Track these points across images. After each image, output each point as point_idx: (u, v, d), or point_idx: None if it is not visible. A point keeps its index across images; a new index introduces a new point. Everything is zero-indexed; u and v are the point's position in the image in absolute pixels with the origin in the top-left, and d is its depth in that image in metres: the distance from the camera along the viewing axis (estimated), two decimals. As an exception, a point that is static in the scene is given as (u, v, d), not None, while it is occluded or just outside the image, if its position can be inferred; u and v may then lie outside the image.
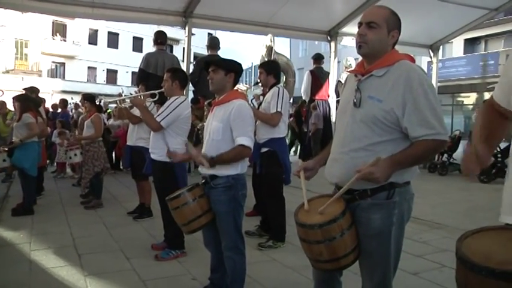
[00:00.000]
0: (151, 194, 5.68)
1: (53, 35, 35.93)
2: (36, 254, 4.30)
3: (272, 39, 9.52)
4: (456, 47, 27.38)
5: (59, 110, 12.06)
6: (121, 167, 10.39)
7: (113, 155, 10.72)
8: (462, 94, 27.84)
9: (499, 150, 8.39)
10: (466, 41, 26.55)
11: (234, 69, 3.05)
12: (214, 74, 3.00)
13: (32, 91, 7.54)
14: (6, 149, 6.23)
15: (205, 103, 6.20)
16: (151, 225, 5.39)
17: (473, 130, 1.95)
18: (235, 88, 3.13)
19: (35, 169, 6.22)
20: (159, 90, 4.40)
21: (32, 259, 4.18)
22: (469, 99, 27.82)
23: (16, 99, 6.47)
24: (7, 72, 32.35)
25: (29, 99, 6.59)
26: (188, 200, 2.88)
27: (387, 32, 2.02)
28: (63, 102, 12.02)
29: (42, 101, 8.63)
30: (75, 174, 9.27)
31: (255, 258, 4.08)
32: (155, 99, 4.76)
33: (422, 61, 25.65)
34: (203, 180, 2.97)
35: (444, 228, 5.25)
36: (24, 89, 7.61)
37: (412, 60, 2.06)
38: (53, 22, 35.46)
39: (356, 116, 2.02)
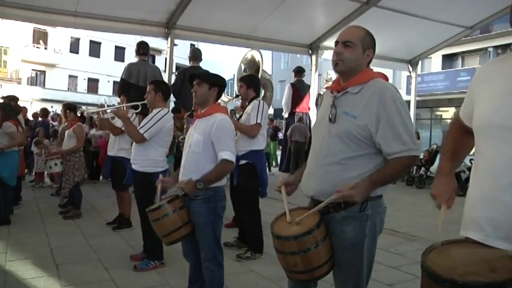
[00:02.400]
0: (131, 204, 5.67)
1: (34, 43, 35.48)
2: (12, 265, 4.24)
3: (261, 58, 9.58)
4: (434, 63, 28.03)
5: (40, 119, 11.93)
6: (101, 177, 10.32)
7: (94, 165, 10.63)
8: (440, 108, 28.41)
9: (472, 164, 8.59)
10: (444, 56, 27.23)
11: (218, 83, 3.12)
12: (198, 87, 3.06)
13: (11, 99, 7.46)
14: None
15: (186, 115, 6.24)
16: (131, 235, 5.38)
17: (442, 145, 2.05)
18: (218, 101, 3.19)
19: (14, 179, 6.16)
20: (142, 102, 4.45)
21: (7, 270, 4.12)
22: (447, 113, 28.40)
23: None
24: (-15, 79, 31.84)
25: (10, 108, 6.53)
26: (168, 212, 2.91)
27: (362, 51, 2.11)
28: (44, 111, 11.91)
29: (22, 109, 8.55)
30: (54, 183, 9.18)
31: (233, 269, 4.12)
32: (138, 110, 4.79)
33: (402, 76, 26.23)
34: (183, 192, 3.01)
35: (419, 241, 5.36)
36: (3, 97, 7.54)
37: (386, 78, 2.16)
38: (34, 29, 35.03)
39: (331, 131, 2.11)
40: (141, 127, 4.09)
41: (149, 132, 4.03)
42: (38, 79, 36.51)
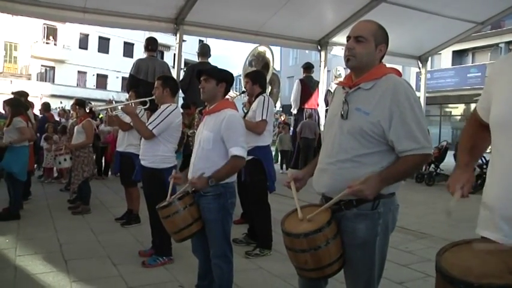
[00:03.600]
0: (139, 200, 5.68)
1: (44, 39, 35.66)
2: (22, 260, 4.26)
3: (272, 55, 9.53)
4: (444, 59, 27.78)
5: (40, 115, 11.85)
6: (109, 173, 10.37)
7: (103, 161, 10.68)
8: (450, 105, 28.20)
9: (484, 161, 8.51)
10: (454, 52, 26.98)
11: (225, 79, 3.08)
12: (206, 83, 3.02)
13: (21, 95, 7.49)
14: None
15: (197, 110, 6.23)
16: (139, 231, 5.38)
17: (459, 141, 2.00)
18: (226, 97, 3.16)
19: (24, 174, 6.22)
20: (150, 98, 4.44)
21: (17, 265, 4.14)
22: (457, 110, 28.20)
23: (7, 103, 6.44)
24: (-4, 74, 32.09)
25: (20, 104, 6.57)
26: (179, 209, 2.89)
27: (375, 46, 2.07)
28: (44, 106, 11.88)
29: (31, 105, 8.58)
30: (63, 179, 9.22)
31: (242, 266, 4.10)
32: (146, 106, 4.78)
33: (411, 72, 26.00)
34: (193, 188, 2.99)
35: (429, 238, 5.31)
36: (13, 93, 7.57)
37: (399, 74, 2.12)
38: (43, 26, 35.21)
39: (343, 128, 2.07)
40: (150, 123, 4.07)
41: (158, 128, 4.01)
42: (47, 75, 36.72)
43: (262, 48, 9.59)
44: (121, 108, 4.53)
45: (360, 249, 2.05)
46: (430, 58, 15.11)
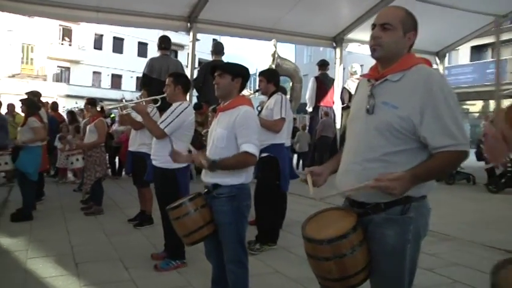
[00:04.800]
0: (152, 201, 5.56)
1: (59, 40, 35.99)
2: (33, 263, 4.17)
3: (275, 44, 9.41)
4: (462, 55, 27.23)
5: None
6: (123, 173, 10.31)
7: (116, 161, 10.62)
8: (468, 102, 27.59)
9: (509, 159, 8.21)
10: (473, 48, 26.39)
11: (241, 73, 2.91)
12: (220, 79, 2.86)
13: (34, 95, 7.47)
14: (10, 152, 6.18)
15: (210, 109, 6.09)
16: (152, 233, 5.26)
17: (497, 114, 1.80)
18: (241, 94, 2.99)
19: (36, 174, 6.18)
20: (161, 96, 4.27)
21: (27, 268, 4.05)
22: (475, 107, 27.62)
23: (23, 102, 6.42)
24: (13, 76, 32.41)
25: (35, 104, 6.54)
26: (190, 210, 2.73)
27: (403, 34, 1.88)
28: (53, 105, 11.88)
29: (44, 105, 8.55)
30: (77, 179, 9.16)
31: (257, 269, 3.93)
32: (158, 104, 4.63)
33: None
34: (205, 190, 2.83)
35: (454, 240, 5.07)
36: (26, 93, 7.53)
37: (430, 64, 1.93)
38: (59, 27, 35.54)
39: (369, 124, 1.89)
40: (161, 122, 3.92)
41: (170, 127, 3.86)
42: (63, 75, 37.03)
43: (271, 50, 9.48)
44: (132, 107, 4.38)
45: (389, 257, 1.86)
46: (447, 54, 14.83)
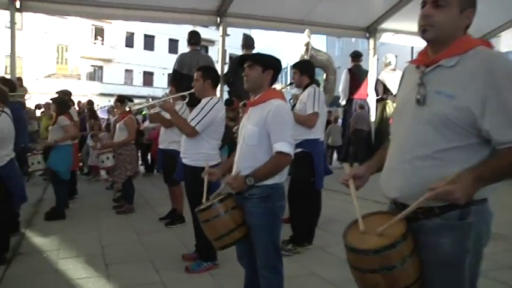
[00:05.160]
0: (183, 199, 5.44)
1: (93, 39, 36.66)
2: (64, 263, 4.11)
3: (309, 34, 9.14)
4: (506, 41, 26.01)
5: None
6: (155, 170, 10.30)
7: (148, 158, 10.61)
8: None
9: None
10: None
11: (272, 65, 2.70)
12: (250, 71, 2.65)
13: (65, 93, 7.50)
14: (41, 151, 6.21)
15: (240, 104, 5.88)
16: (184, 232, 5.12)
17: None
18: (273, 87, 2.78)
19: (68, 173, 6.17)
20: (189, 92, 4.08)
21: (59, 268, 4.00)
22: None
23: (53, 101, 6.46)
24: (49, 76, 33.18)
25: (65, 103, 6.55)
26: (220, 212, 2.55)
27: (459, 12, 1.62)
28: (89, 104, 12.01)
29: (73, 103, 8.61)
30: (110, 177, 9.17)
31: (292, 271, 3.70)
32: (186, 101, 4.44)
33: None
34: (235, 191, 2.64)
35: (507, 240, 4.67)
36: (57, 92, 7.56)
37: (490, 45, 1.66)
38: (91, 26, 36.19)
39: (420, 116, 1.64)
40: (192, 119, 3.72)
41: (201, 125, 3.67)
42: (96, 74, 37.68)
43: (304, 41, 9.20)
44: (159, 105, 4.21)
45: (445, 269, 1.61)
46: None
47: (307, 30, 9.33)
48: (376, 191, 1.90)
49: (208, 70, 3.97)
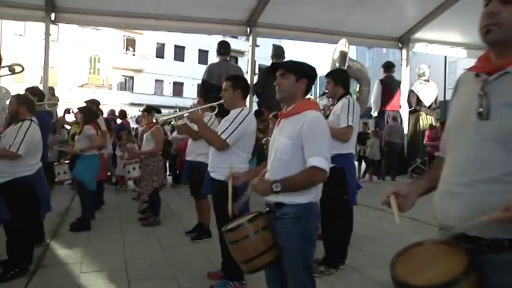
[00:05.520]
0: (210, 213, 5.27)
1: (124, 50, 37.35)
2: (86, 278, 3.98)
3: (346, 45, 8.90)
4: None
5: (118, 121, 12.04)
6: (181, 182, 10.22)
7: (175, 169, 10.53)
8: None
9: None
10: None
11: (307, 73, 2.49)
12: (282, 79, 2.45)
13: (93, 103, 7.49)
14: (68, 161, 6.17)
15: (271, 115, 5.69)
16: (210, 247, 4.93)
17: None
18: (307, 97, 2.58)
19: (94, 183, 6.08)
20: (218, 102, 3.89)
21: (80, 283, 3.86)
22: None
23: (80, 110, 6.43)
24: (82, 86, 33.94)
25: (92, 112, 6.52)
26: (249, 233, 2.33)
27: None
28: (122, 113, 12.05)
29: (102, 113, 8.61)
30: (137, 187, 9.11)
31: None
32: (215, 112, 4.24)
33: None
34: (267, 209, 2.43)
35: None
36: (85, 101, 7.57)
37: None
38: (123, 37, 36.88)
39: (483, 132, 1.40)
40: (223, 132, 3.50)
41: (232, 137, 3.45)
42: (127, 84, 38.32)
43: (338, 50, 8.96)
44: (186, 116, 4.02)
45: None
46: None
47: (344, 40, 9.08)
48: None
49: (238, 80, 3.78)
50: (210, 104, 4.11)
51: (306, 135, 2.29)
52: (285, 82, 2.44)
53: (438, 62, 24.70)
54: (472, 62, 1.50)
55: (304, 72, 2.47)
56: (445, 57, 26.40)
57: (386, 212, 7.61)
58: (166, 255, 4.73)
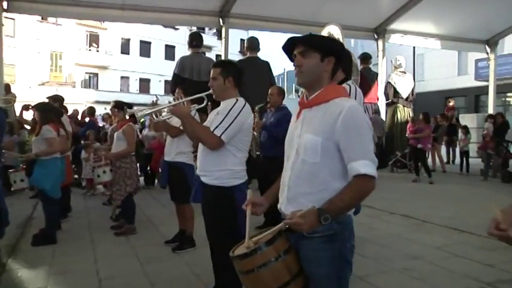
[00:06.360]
0: (193, 220, 4.71)
1: (87, 46, 36.14)
2: (52, 306, 3.37)
3: (341, 32, 8.39)
4: (509, 43, 25.56)
5: (87, 119, 11.25)
6: (156, 182, 9.59)
7: (148, 169, 9.87)
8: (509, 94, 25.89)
9: None
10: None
11: (334, 50, 1.93)
12: (304, 59, 1.88)
13: (56, 99, 6.68)
14: (25, 166, 5.38)
15: (256, 108, 5.11)
16: (194, 258, 4.38)
17: None
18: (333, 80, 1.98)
19: (57, 190, 5.25)
20: (207, 93, 3.26)
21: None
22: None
23: (36, 108, 5.53)
24: (43, 84, 32.44)
25: (51, 110, 5.68)
26: (269, 259, 1.74)
27: None
28: (90, 110, 11.30)
29: (66, 111, 7.82)
30: (107, 191, 8.38)
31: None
32: (203, 105, 3.56)
33: (469, 59, 24.00)
34: (286, 226, 1.79)
35: None
36: (47, 98, 6.76)
37: None
38: (86, 33, 35.63)
39: None
40: (216, 127, 2.89)
41: (227, 134, 2.86)
42: (91, 81, 37.09)
43: (326, 32, 8.45)
44: (170, 110, 3.34)
45: None
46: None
47: (339, 27, 8.50)
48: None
49: (228, 65, 3.16)
50: (199, 95, 3.41)
51: (345, 132, 1.75)
52: (307, 62, 1.88)
53: (407, 55, 24.99)
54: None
55: (331, 49, 1.92)
56: (414, 50, 26.70)
57: (375, 210, 7.29)
58: (146, 270, 4.12)
